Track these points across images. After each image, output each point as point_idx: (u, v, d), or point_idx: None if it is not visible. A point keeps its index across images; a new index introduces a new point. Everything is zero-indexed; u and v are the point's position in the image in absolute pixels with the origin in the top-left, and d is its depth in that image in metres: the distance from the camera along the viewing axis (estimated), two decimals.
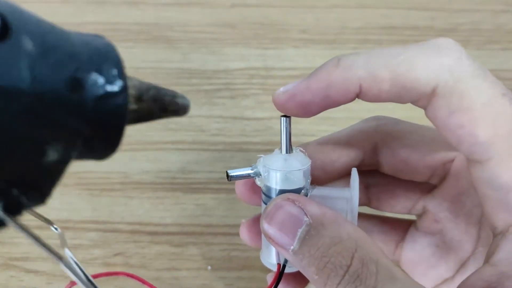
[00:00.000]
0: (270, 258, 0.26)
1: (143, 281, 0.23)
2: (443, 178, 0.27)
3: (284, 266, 0.24)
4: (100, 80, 0.14)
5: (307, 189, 0.24)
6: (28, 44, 0.13)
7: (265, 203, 0.25)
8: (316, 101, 0.23)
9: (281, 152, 0.24)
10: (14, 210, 0.13)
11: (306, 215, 0.21)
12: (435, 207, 0.28)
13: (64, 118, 0.13)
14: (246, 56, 0.53)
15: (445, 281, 0.27)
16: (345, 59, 0.22)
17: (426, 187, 0.28)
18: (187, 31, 0.56)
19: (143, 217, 0.40)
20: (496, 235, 0.21)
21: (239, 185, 0.28)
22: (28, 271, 0.37)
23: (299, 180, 0.24)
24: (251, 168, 0.25)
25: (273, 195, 0.24)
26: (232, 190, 0.43)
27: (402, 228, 0.30)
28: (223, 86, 0.49)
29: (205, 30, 0.56)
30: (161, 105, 0.16)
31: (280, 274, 0.24)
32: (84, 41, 0.15)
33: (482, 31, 0.55)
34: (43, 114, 0.13)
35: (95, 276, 0.23)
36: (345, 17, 0.57)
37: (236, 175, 0.25)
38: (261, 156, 0.25)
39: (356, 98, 0.23)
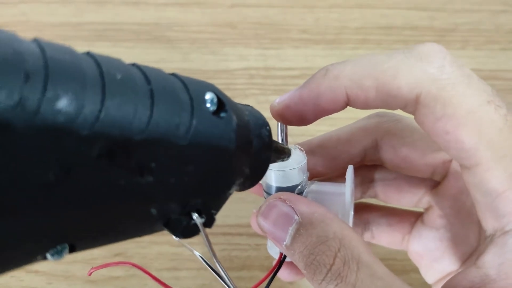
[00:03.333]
0: (275, 248, 0.27)
1: (150, 274, 0.24)
2: (445, 176, 0.28)
3: (285, 256, 0.25)
4: (261, 140, 0.20)
5: (303, 185, 0.25)
6: (234, 119, 0.18)
7: (266, 198, 0.26)
8: (309, 110, 0.24)
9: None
10: (209, 224, 0.19)
11: (296, 214, 0.22)
12: (439, 203, 0.28)
13: (243, 166, 0.19)
14: (246, 56, 0.53)
15: (450, 274, 0.28)
16: (333, 69, 0.23)
17: (431, 183, 0.29)
18: (187, 31, 0.56)
19: None
20: (486, 238, 0.22)
21: None
22: (28, 271, 0.37)
23: (295, 177, 0.25)
24: None
25: (272, 191, 0.25)
26: None
27: (409, 221, 0.30)
28: (223, 86, 0.49)
29: (205, 30, 0.56)
30: (277, 153, 0.23)
31: (281, 263, 0.25)
32: (248, 111, 0.21)
33: (482, 31, 0.55)
34: (238, 163, 0.19)
35: (104, 266, 0.24)
36: (344, 17, 0.57)
37: None
38: None
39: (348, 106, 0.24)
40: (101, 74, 0.14)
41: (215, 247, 0.39)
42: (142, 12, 0.58)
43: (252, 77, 0.50)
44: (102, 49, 0.53)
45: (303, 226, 0.22)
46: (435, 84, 0.21)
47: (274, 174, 0.25)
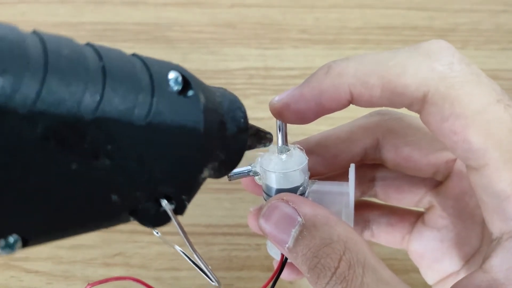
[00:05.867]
0: (275, 248, 0.26)
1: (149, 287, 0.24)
2: (447, 176, 0.27)
3: (286, 258, 0.24)
4: (235, 123, 0.19)
5: (305, 186, 0.25)
6: (202, 98, 0.17)
7: (265, 200, 0.25)
8: (310, 109, 0.23)
9: (277, 152, 0.25)
10: (180, 211, 0.18)
11: (300, 215, 0.22)
12: (441, 203, 0.28)
13: (216, 149, 0.18)
14: (246, 56, 0.53)
15: (451, 275, 0.28)
16: (336, 66, 0.22)
17: (432, 183, 0.28)
18: (187, 31, 0.56)
19: None
20: (492, 241, 0.21)
21: (244, 178, 0.28)
22: (28, 271, 0.37)
23: (296, 179, 0.24)
24: (250, 167, 0.25)
25: (272, 193, 0.25)
26: (232, 190, 0.43)
27: (410, 221, 0.30)
28: (223, 86, 0.49)
29: (205, 30, 0.56)
30: (258, 138, 0.22)
31: (283, 264, 0.24)
32: (220, 93, 0.20)
33: (481, 31, 0.55)
34: (208, 146, 0.17)
35: (103, 282, 0.24)
36: (344, 17, 0.57)
37: (235, 174, 0.25)
38: (260, 155, 0.25)
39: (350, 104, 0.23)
40: (45, 51, 0.13)
41: (215, 247, 0.39)
42: (141, 12, 0.58)
43: (251, 77, 0.50)
44: None
45: (307, 228, 0.21)
46: (444, 82, 0.20)
47: (275, 176, 0.24)
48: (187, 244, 0.19)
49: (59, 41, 0.14)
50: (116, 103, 0.14)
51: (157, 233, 0.23)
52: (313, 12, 0.58)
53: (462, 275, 0.27)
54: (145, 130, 0.15)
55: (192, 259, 0.23)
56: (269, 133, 0.23)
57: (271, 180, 0.24)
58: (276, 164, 0.24)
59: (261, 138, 0.22)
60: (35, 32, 0.14)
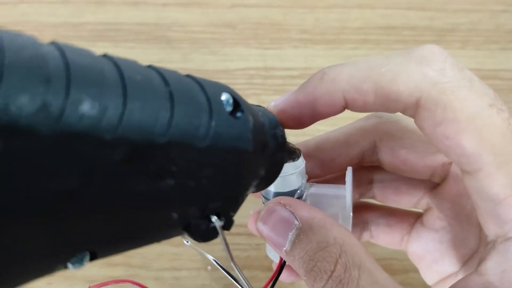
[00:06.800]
0: (273, 251, 0.26)
1: None
2: (444, 178, 0.27)
3: (284, 261, 0.24)
4: (275, 141, 0.20)
5: (302, 189, 0.25)
6: (251, 119, 0.18)
7: (264, 203, 0.25)
8: (305, 114, 0.23)
9: None
10: (227, 227, 0.19)
11: (296, 219, 0.22)
12: (438, 205, 0.28)
13: (260, 167, 0.19)
14: (246, 56, 0.53)
15: (450, 276, 0.28)
16: (330, 72, 0.23)
17: (430, 185, 0.29)
18: (187, 31, 0.56)
19: None
20: (487, 244, 0.22)
21: None
22: None
23: (293, 182, 0.25)
24: None
25: (270, 196, 0.25)
26: None
27: (408, 222, 0.30)
28: None
29: (205, 30, 0.56)
30: (289, 154, 0.23)
31: (282, 266, 0.24)
32: (262, 112, 0.20)
33: (481, 31, 0.55)
34: (254, 165, 0.19)
35: (102, 285, 0.24)
36: (344, 17, 0.57)
37: None
38: None
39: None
40: (122, 77, 0.14)
41: (215, 247, 0.39)
42: (142, 12, 0.58)
43: (252, 77, 0.50)
44: (102, 49, 0.53)
45: (303, 232, 0.22)
46: (436, 87, 0.20)
47: None
48: (230, 258, 0.20)
49: (129, 64, 0.15)
50: (183, 126, 0.15)
51: (187, 242, 0.23)
52: (313, 12, 0.58)
53: (461, 276, 0.27)
54: (204, 152, 0.16)
55: (225, 269, 0.25)
56: (298, 149, 0.24)
57: None
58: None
59: (291, 153, 0.23)
60: (106, 56, 0.14)
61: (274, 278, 0.24)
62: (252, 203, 0.40)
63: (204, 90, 0.17)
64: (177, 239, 0.41)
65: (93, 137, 0.12)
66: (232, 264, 0.20)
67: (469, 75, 0.21)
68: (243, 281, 0.22)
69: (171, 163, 0.15)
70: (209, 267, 0.37)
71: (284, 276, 0.28)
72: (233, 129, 0.17)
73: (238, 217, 0.40)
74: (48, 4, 0.58)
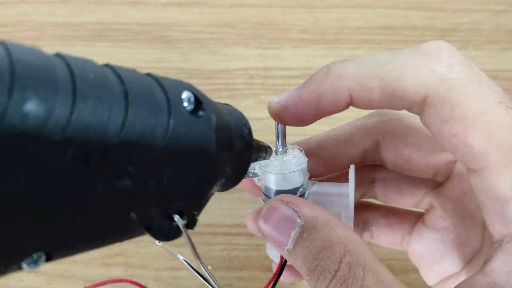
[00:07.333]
0: (274, 250, 0.26)
1: None
2: (447, 177, 0.27)
3: (285, 261, 0.24)
4: (242, 140, 0.20)
5: (304, 187, 0.25)
6: (213, 118, 0.17)
7: (265, 201, 0.25)
8: (309, 111, 0.23)
9: (276, 153, 0.25)
10: (191, 226, 0.18)
11: (299, 217, 0.22)
12: (441, 205, 0.28)
13: (224, 166, 0.19)
14: (246, 56, 0.53)
15: (451, 276, 0.28)
16: (335, 68, 0.22)
17: (433, 184, 0.28)
18: (187, 31, 0.56)
19: None
20: (493, 244, 0.21)
21: (242, 179, 0.28)
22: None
23: (295, 180, 0.24)
24: (249, 168, 0.25)
25: (271, 194, 0.24)
26: (232, 190, 0.43)
27: (409, 222, 0.30)
28: (223, 86, 0.49)
29: (205, 30, 0.56)
30: (259, 153, 0.23)
31: (282, 266, 0.24)
32: (228, 110, 0.20)
33: (482, 31, 0.55)
34: (219, 164, 0.18)
35: (100, 284, 0.24)
36: (344, 17, 0.57)
37: None
38: None
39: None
40: (72, 76, 0.13)
41: (215, 247, 0.39)
42: (141, 12, 0.58)
43: (251, 77, 0.50)
44: (101, 49, 0.53)
45: (306, 230, 0.21)
46: (444, 84, 0.20)
47: (274, 177, 0.24)
48: (195, 257, 0.20)
49: (83, 65, 0.14)
50: (138, 126, 0.15)
51: (159, 242, 0.23)
52: (313, 12, 0.58)
53: (462, 276, 0.27)
54: (162, 151, 0.16)
55: (195, 268, 0.24)
56: (269, 147, 0.24)
57: (270, 181, 0.24)
58: (275, 165, 0.24)
59: (261, 151, 0.23)
60: (59, 55, 0.14)
61: (274, 278, 0.24)
62: (251, 203, 0.40)
63: (164, 89, 0.16)
64: (177, 240, 0.41)
65: (39, 138, 0.12)
66: (199, 264, 0.20)
67: (477, 72, 0.21)
68: (212, 281, 0.22)
69: (128, 163, 0.15)
70: (209, 267, 0.37)
71: (284, 277, 0.28)
72: (194, 128, 0.17)
73: (238, 217, 0.40)
74: (48, 4, 0.58)
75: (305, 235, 0.21)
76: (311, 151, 0.27)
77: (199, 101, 0.17)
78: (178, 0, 0.59)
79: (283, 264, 0.24)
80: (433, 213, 0.28)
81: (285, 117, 0.23)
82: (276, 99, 0.23)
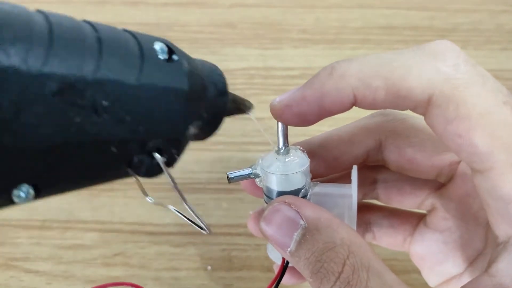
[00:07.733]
0: (275, 252, 0.26)
1: None
2: (450, 177, 0.27)
3: (287, 263, 0.24)
4: (215, 87, 0.21)
5: (307, 188, 0.24)
6: (186, 64, 0.19)
7: (266, 202, 0.25)
8: (312, 111, 0.22)
9: (278, 153, 0.24)
10: (170, 163, 0.20)
11: (302, 219, 0.22)
12: (444, 205, 0.28)
13: (199, 109, 0.20)
14: (246, 56, 0.53)
15: (453, 277, 0.27)
16: (339, 67, 0.22)
17: (435, 184, 0.28)
18: (187, 31, 0.56)
19: (143, 217, 0.40)
20: (498, 245, 0.21)
21: (243, 181, 0.28)
22: (28, 271, 0.37)
23: (298, 181, 0.24)
24: (251, 169, 0.25)
25: (273, 196, 0.24)
26: (232, 190, 0.43)
27: (411, 223, 0.30)
28: None
29: (205, 30, 0.56)
30: (237, 105, 0.23)
31: (284, 268, 0.24)
32: (201, 62, 0.22)
33: (482, 31, 0.55)
34: (193, 105, 0.19)
35: (102, 287, 0.24)
36: (345, 17, 0.57)
37: (236, 177, 0.25)
38: (260, 157, 0.25)
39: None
40: (49, 23, 0.16)
41: (215, 247, 0.39)
42: (142, 12, 0.58)
43: (252, 77, 0.50)
44: None
45: (309, 232, 0.21)
46: (449, 83, 0.20)
47: (276, 178, 0.24)
48: (177, 193, 0.21)
49: (60, 16, 0.17)
50: (112, 66, 0.17)
51: (150, 199, 0.25)
52: (313, 12, 0.58)
53: (465, 277, 0.27)
54: (137, 89, 0.18)
55: (184, 215, 0.24)
56: (247, 101, 0.24)
57: (272, 182, 0.24)
58: (277, 166, 0.24)
59: (238, 103, 0.23)
60: (38, 10, 0.17)
61: (276, 280, 0.24)
62: (251, 204, 0.40)
63: (137, 39, 0.18)
64: (176, 240, 0.41)
65: (20, 72, 0.15)
66: (184, 203, 0.21)
67: (482, 72, 0.21)
68: (198, 220, 0.23)
69: (103, 98, 0.17)
70: (208, 267, 0.37)
71: (286, 279, 0.27)
72: (166, 70, 0.19)
73: (237, 217, 0.40)
74: (48, 4, 0.58)
75: (307, 236, 0.21)
76: (314, 152, 0.26)
77: (171, 51, 0.19)
78: (178, 0, 0.59)
79: (285, 266, 0.24)
80: (435, 214, 0.28)
81: (287, 117, 0.23)
82: (278, 99, 0.23)
